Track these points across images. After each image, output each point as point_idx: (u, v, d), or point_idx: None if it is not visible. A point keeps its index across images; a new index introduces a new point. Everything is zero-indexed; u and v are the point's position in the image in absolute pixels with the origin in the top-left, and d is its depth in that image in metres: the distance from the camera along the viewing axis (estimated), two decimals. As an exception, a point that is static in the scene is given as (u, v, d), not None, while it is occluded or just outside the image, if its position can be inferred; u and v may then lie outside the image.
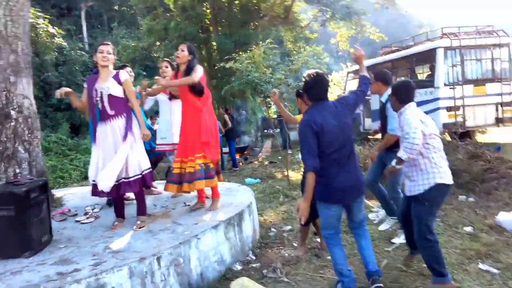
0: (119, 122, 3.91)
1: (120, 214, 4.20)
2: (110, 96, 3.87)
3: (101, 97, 3.87)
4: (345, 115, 3.16)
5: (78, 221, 4.37)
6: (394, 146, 4.16)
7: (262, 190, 7.59)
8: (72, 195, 5.78)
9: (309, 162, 3.02)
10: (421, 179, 3.29)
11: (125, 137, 3.87)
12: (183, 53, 4.30)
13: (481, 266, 3.61)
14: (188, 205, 4.78)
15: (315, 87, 3.17)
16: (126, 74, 4.07)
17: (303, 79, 3.27)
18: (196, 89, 4.26)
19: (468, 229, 4.60)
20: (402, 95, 3.43)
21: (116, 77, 3.95)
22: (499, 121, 10.03)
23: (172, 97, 5.01)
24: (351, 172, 3.12)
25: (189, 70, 4.26)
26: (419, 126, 3.20)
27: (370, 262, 3.29)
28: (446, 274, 3.24)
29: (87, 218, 4.40)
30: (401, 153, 3.24)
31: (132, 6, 19.32)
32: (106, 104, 3.88)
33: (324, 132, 3.00)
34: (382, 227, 4.85)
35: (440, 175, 3.26)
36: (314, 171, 3.00)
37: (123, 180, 3.90)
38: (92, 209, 4.68)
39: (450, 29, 10.63)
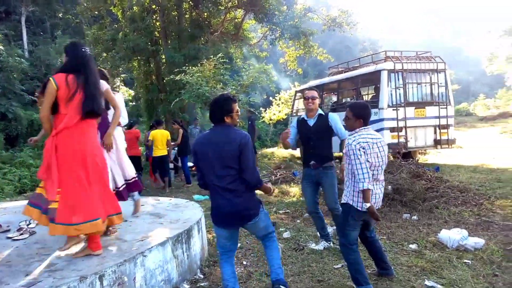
0: None
1: None
2: None
3: None
4: (228, 146, 3.09)
5: (10, 237, 4.02)
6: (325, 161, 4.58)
7: (210, 207, 7.41)
8: (5, 210, 5.36)
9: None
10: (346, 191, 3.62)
11: None
12: None
13: (427, 282, 3.68)
14: (131, 220, 4.60)
15: (210, 111, 3.30)
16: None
17: None
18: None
19: (413, 246, 4.71)
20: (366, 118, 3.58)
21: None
22: (437, 142, 10.56)
23: None
24: (231, 200, 3.13)
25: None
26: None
27: (273, 271, 3.36)
28: (366, 285, 3.44)
29: (21, 234, 4.06)
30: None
31: (77, 14, 18.63)
32: None
33: (199, 158, 3.21)
34: (315, 246, 4.87)
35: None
36: (200, 185, 3.40)
37: None
38: (27, 225, 4.33)
39: (393, 53, 11.15)
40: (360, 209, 3.44)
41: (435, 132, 10.61)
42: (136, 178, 4.84)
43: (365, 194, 3.35)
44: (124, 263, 3.22)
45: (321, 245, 4.84)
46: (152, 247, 3.58)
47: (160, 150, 9.42)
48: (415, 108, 10.45)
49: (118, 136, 4.60)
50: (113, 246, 3.66)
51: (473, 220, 5.74)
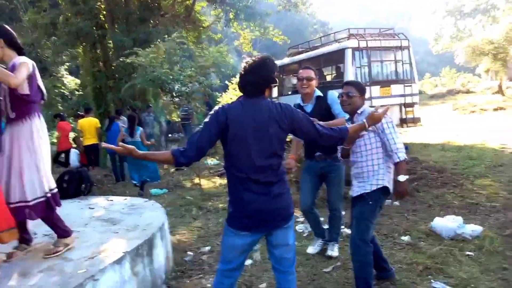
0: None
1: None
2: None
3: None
4: (275, 125, 2.30)
5: None
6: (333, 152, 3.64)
7: (171, 202, 6.69)
8: None
9: (186, 147, 2.24)
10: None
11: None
12: None
13: (434, 284, 3.19)
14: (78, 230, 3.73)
15: (249, 78, 2.31)
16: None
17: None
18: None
19: (406, 238, 4.25)
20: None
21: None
22: (403, 121, 10.26)
23: None
24: (271, 194, 2.32)
25: None
26: None
27: None
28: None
29: None
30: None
31: (12, -1, 16.95)
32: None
33: (232, 138, 2.27)
34: (311, 250, 4.19)
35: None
36: (175, 156, 2.22)
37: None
38: None
39: (356, 30, 10.72)
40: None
41: (401, 111, 10.29)
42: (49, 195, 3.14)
43: (403, 166, 2.98)
44: (69, 293, 2.50)
45: (317, 246, 4.19)
46: (105, 267, 2.84)
47: (89, 139, 9.22)
48: (381, 87, 10.06)
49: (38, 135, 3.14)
50: (53, 269, 2.85)
51: (457, 203, 5.39)
